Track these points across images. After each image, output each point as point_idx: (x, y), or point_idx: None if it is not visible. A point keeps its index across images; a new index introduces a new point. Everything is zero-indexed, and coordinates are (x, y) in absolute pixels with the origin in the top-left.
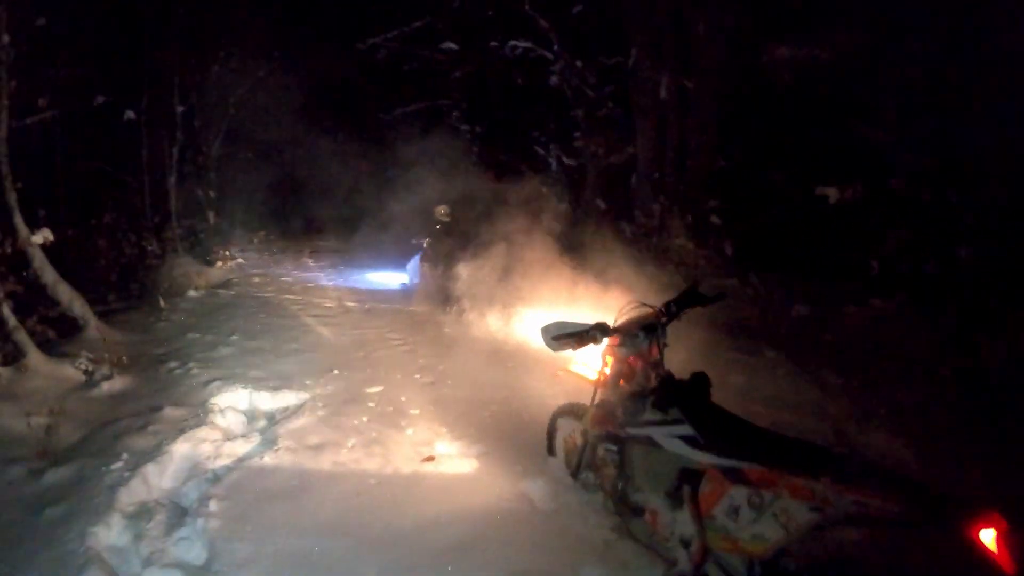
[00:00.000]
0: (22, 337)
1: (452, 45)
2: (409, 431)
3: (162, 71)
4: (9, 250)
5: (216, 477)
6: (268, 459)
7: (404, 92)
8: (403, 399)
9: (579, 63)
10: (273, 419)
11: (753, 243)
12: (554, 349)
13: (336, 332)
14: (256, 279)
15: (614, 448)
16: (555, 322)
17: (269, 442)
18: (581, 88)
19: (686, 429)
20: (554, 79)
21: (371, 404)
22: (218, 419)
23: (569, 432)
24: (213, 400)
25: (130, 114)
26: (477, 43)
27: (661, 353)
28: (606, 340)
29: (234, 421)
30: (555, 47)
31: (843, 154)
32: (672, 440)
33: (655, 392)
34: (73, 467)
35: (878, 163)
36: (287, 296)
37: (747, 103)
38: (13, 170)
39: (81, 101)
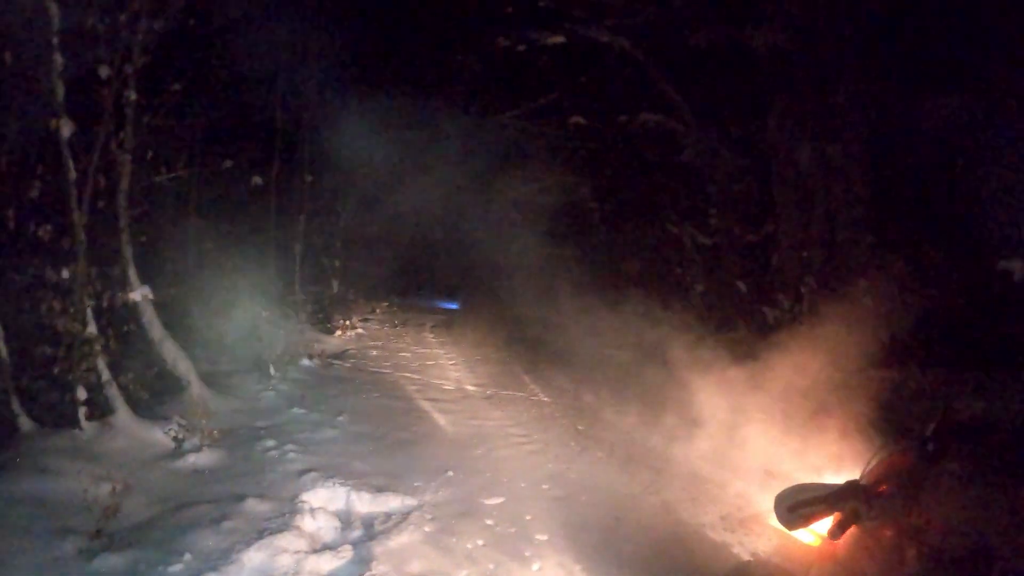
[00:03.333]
0: (113, 393)
1: (580, 120)
2: (535, 566)
3: (295, 141)
4: (106, 304)
5: None
6: None
7: (531, 168)
8: (528, 517)
9: (713, 135)
10: (371, 528)
11: (914, 328)
12: (791, 528)
13: (453, 422)
14: (374, 352)
15: None
16: (792, 487)
17: (362, 562)
18: (715, 161)
19: None
20: (687, 153)
21: (489, 521)
22: (306, 522)
23: None
24: (305, 496)
25: (258, 180)
26: (606, 117)
27: (926, 519)
28: (864, 512)
29: (325, 526)
30: (687, 119)
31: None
32: None
33: None
34: (128, 557)
35: None
36: (404, 374)
37: (902, 169)
38: (147, 224)
39: (213, 163)
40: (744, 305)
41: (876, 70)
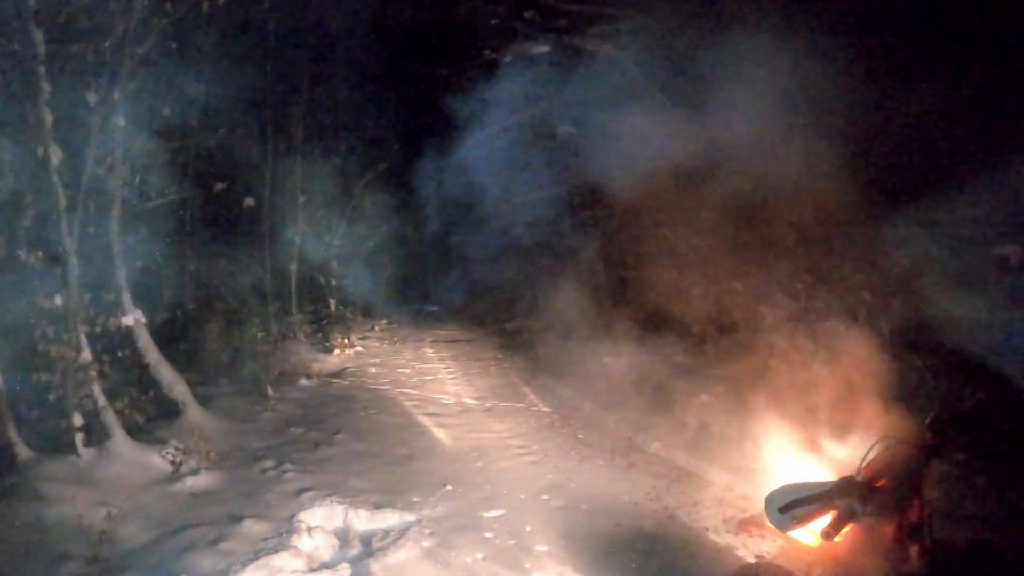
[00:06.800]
0: (109, 418)
1: (571, 129)
2: None
3: (286, 161)
4: (100, 329)
5: None
6: None
7: (525, 177)
8: (528, 529)
9: (703, 136)
10: (369, 546)
11: (913, 318)
12: (784, 529)
13: (452, 436)
14: (373, 369)
15: None
16: (782, 487)
17: None
18: (706, 162)
19: None
20: (677, 155)
21: (488, 534)
22: (303, 541)
23: None
24: (302, 515)
25: (250, 202)
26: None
27: (927, 513)
28: (859, 509)
29: (322, 544)
30: (676, 121)
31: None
32: None
33: None
34: None
35: None
36: (402, 390)
37: (889, 157)
38: (140, 248)
39: (205, 186)
40: (743, 306)
41: (853, 65)
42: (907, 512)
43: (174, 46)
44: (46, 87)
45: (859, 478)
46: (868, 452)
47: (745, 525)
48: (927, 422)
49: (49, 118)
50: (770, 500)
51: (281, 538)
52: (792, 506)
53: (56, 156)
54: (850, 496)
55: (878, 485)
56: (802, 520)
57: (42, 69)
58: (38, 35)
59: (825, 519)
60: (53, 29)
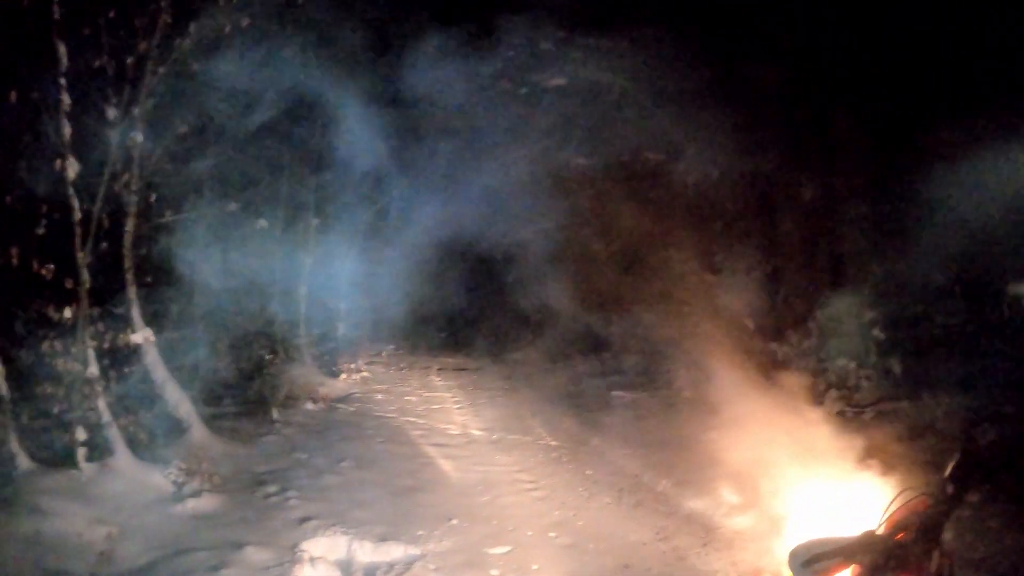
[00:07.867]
0: (113, 434)
1: (582, 160)
2: None
3: (301, 184)
4: (108, 345)
5: None
6: None
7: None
8: (534, 567)
9: (716, 172)
10: None
11: (925, 357)
12: None
13: (458, 468)
14: (379, 396)
15: None
16: (807, 542)
17: None
18: (720, 198)
19: None
20: (690, 191)
21: (494, 572)
22: (306, 572)
23: None
24: (305, 545)
25: (263, 223)
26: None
27: (948, 566)
28: (881, 564)
29: None
30: (689, 157)
31: None
32: None
33: None
34: None
35: None
36: (408, 419)
37: (906, 196)
38: (151, 265)
39: (219, 205)
40: (751, 342)
41: (877, 100)
42: (927, 565)
43: (195, 66)
44: (66, 99)
45: (880, 532)
46: (889, 505)
47: (759, 572)
48: (948, 473)
49: (68, 131)
50: (794, 554)
51: (283, 568)
52: (815, 560)
53: (73, 170)
54: (872, 551)
55: (899, 538)
56: (823, 574)
57: (62, 81)
58: (60, 47)
59: (846, 573)
60: (76, 42)
